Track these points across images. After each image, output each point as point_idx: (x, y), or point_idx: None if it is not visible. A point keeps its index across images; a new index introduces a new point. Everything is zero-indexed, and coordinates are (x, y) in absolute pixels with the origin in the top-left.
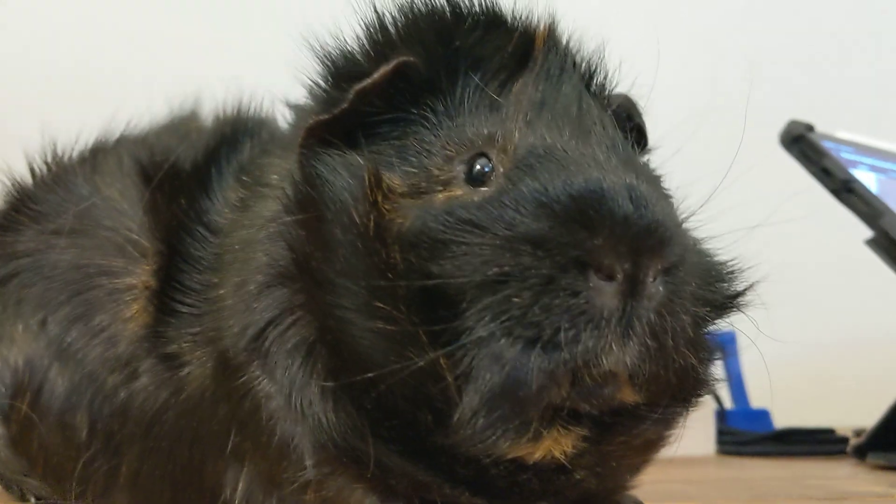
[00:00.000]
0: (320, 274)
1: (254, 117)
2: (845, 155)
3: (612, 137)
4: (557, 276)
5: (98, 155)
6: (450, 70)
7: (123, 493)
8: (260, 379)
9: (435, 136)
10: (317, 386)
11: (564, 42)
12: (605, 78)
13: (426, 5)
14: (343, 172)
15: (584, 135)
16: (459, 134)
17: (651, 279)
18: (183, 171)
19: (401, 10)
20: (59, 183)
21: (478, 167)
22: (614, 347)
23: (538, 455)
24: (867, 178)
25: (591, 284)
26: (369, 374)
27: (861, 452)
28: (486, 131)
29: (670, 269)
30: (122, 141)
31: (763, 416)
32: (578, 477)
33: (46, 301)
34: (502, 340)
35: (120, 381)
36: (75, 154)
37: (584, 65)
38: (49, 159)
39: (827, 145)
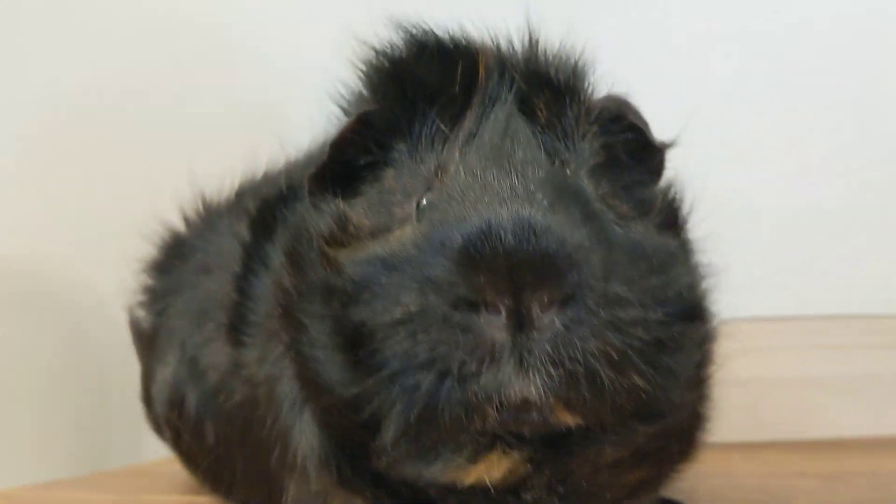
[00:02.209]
0: (297, 316)
1: None
2: None
3: (532, 160)
4: (452, 314)
5: (242, 196)
6: (407, 110)
7: (240, 489)
8: (280, 400)
9: (401, 176)
10: (309, 410)
11: (506, 64)
12: (561, 90)
13: (386, 55)
14: (321, 218)
15: (501, 164)
16: (417, 171)
17: (539, 311)
18: (262, 213)
19: (365, 60)
20: (209, 227)
21: (423, 203)
22: (513, 378)
23: (470, 480)
24: None
25: (481, 320)
26: (322, 403)
27: None
28: (433, 166)
29: (568, 300)
30: (263, 179)
31: None
32: (528, 498)
33: (186, 329)
34: (416, 374)
35: (224, 398)
36: (225, 198)
37: (521, 85)
38: (200, 207)
39: None
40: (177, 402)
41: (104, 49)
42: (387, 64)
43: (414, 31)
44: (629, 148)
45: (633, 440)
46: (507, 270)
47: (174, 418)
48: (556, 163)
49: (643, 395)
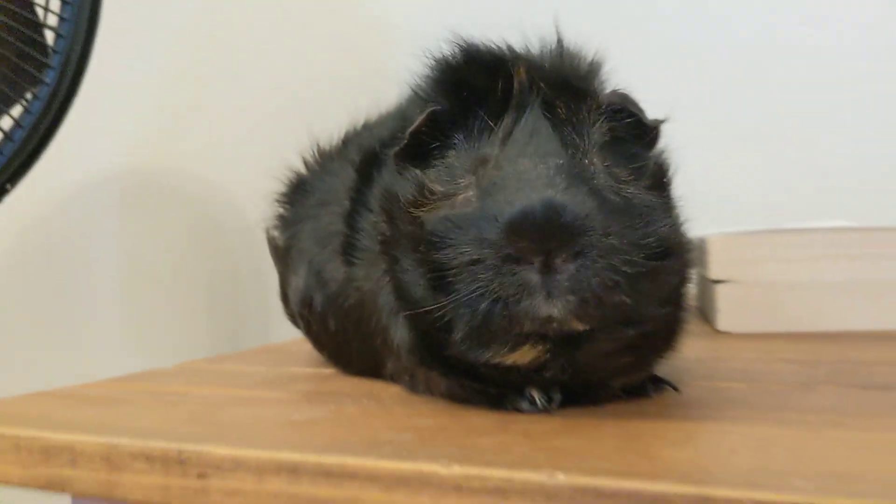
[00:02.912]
0: (392, 253)
1: None
2: None
3: (555, 152)
4: (502, 264)
5: (347, 144)
6: (465, 109)
7: (356, 364)
8: (382, 307)
9: (460, 156)
10: (401, 316)
11: (535, 75)
12: (577, 91)
13: (446, 63)
14: (405, 184)
15: (531, 156)
16: (472, 154)
17: (559, 262)
18: (363, 163)
19: (431, 66)
20: (323, 168)
21: (477, 178)
22: (542, 304)
23: (509, 362)
24: None
25: (522, 268)
26: (414, 311)
27: None
28: (483, 152)
29: (578, 253)
30: (364, 128)
31: None
32: (548, 374)
33: (312, 249)
34: (478, 299)
35: (342, 300)
36: (334, 144)
37: (546, 92)
38: (315, 152)
39: None
40: (307, 302)
41: None
42: (447, 71)
43: (466, 46)
44: (629, 128)
45: (621, 338)
46: (538, 238)
47: (305, 313)
48: (570, 151)
49: (627, 309)
